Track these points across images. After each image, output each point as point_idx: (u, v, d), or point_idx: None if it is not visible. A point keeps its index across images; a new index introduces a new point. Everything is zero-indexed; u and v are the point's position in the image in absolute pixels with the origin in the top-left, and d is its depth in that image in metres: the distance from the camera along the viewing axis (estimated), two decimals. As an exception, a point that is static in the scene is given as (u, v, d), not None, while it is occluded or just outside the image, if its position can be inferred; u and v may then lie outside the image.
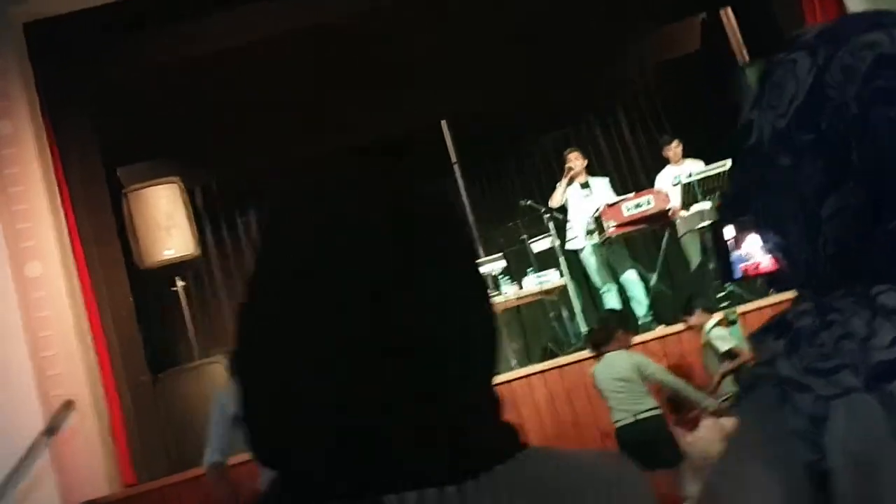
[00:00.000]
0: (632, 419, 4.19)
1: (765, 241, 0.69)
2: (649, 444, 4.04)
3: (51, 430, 4.28)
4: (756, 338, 0.63)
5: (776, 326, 0.62)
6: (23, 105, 4.85)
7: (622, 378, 4.22)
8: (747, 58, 7.10)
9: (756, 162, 0.66)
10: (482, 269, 5.57)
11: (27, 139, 4.82)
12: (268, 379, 0.60)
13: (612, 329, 4.48)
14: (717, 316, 4.68)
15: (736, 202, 0.72)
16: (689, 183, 5.88)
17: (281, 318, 0.60)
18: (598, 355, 4.39)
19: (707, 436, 4.15)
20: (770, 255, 0.71)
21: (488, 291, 0.67)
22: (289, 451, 0.60)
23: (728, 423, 3.90)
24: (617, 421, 4.26)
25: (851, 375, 0.56)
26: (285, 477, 0.61)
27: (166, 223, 5.24)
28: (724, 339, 4.51)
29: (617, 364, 4.28)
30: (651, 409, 4.20)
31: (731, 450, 0.64)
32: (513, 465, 0.61)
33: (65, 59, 5.36)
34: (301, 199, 0.65)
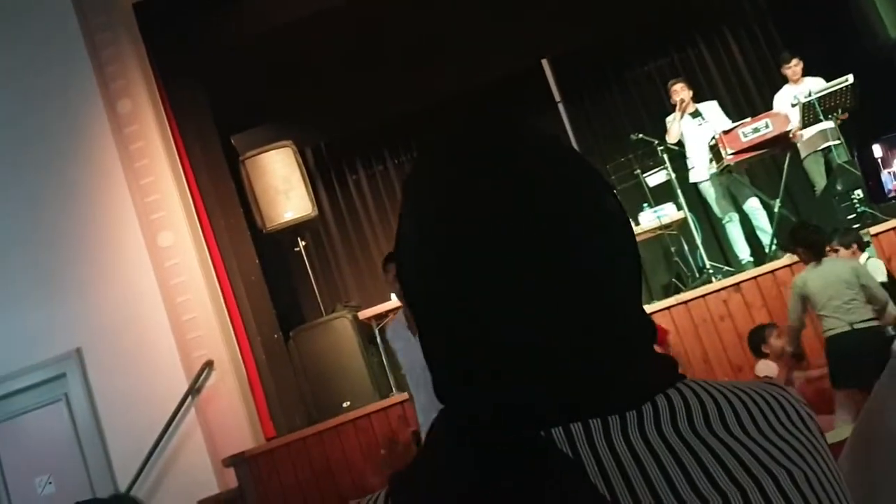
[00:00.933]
0: (847, 328, 3.96)
1: None
2: (862, 356, 3.78)
3: (195, 389, 4.52)
4: None
5: None
6: (139, 83, 5.03)
7: (842, 284, 3.98)
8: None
9: None
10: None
11: (147, 115, 5.00)
12: (457, 322, 0.61)
13: (826, 237, 4.26)
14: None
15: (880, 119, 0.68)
16: (809, 102, 5.57)
17: (472, 269, 0.60)
18: (809, 260, 4.15)
19: None
20: None
21: (628, 221, 0.66)
22: (462, 388, 0.61)
23: None
24: (829, 330, 4.01)
25: None
26: (455, 411, 0.62)
27: (284, 186, 5.38)
28: (879, 269, 4.32)
29: (835, 270, 4.04)
30: (869, 320, 3.95)
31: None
32: (673, 395, 0.60)
33: (174, 35, 5.52)
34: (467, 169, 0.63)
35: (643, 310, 0.65)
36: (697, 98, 6.41)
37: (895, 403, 0.62)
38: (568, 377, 0.59)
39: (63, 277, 4.54)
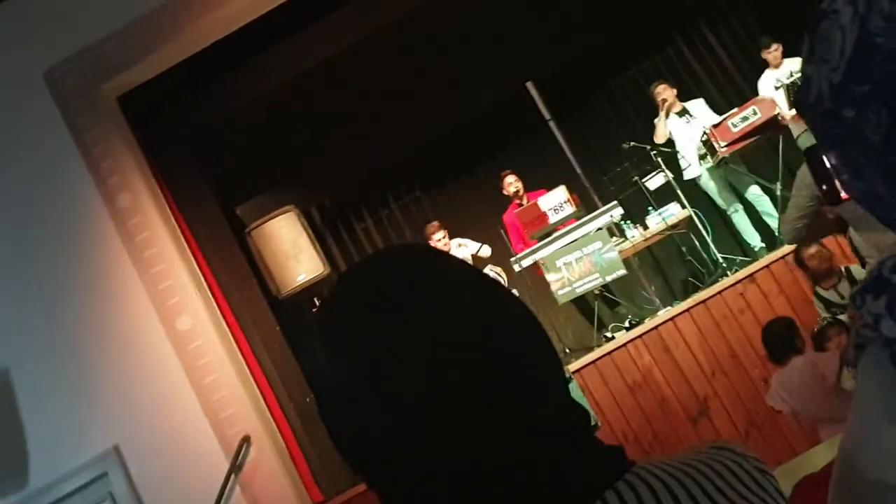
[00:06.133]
0: None
1: (847, 186, 0.67)
2: None
3: (236, 467, 4.55)
4: (855, 300, 0.61)
5: (873, 285, 0.60)
6: (135, 174, 5.12)
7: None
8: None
9: (822, 116, 0.65)
10: (601, 221, 5.58)
11: (147, 204, 5.09)
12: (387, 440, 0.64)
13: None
14: None
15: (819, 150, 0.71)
16: (792, 83, 5.60)
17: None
18: None
19: None
20: (859, 200, 0.69)
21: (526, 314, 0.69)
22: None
23: None
24: None
25: None
26: None
27: (293, 250, 5.44)
28: None
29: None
30: None
31: (858, 411, 0.63)
32: (621, 487, 0.62)
33: (161, 120, 5.63)
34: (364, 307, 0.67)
35: (572, 401, 0.67)
36: (684, 96, 6.45)
37: (870, 440, 0.62)
38: (512, 493, 0.60)
39: (90, 379, 4.60)
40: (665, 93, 6.20)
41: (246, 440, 4.66)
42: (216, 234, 5.71)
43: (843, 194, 1.26)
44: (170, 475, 4.45)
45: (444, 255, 0.70)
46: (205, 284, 5.21)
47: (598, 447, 0.65)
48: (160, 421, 4.55)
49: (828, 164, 1.21)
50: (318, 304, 5.73)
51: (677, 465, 0.65)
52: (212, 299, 5.16)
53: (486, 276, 0.70)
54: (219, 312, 5.16)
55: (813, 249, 4.27)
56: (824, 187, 1.08)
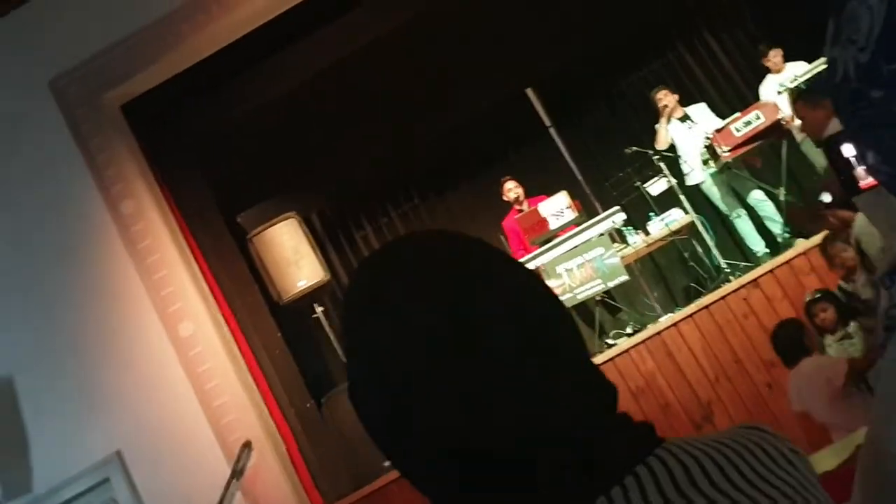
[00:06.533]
0: None
1: (874, 170, 0.67)
2: None
3: (237, 472, 4.53)
4: (884, 281, 0.61)
5: None
6: (139, 181, 5.13)
7: None
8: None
9: (850, 97, 0.64)
10: (602, 227, 5.57)
11: (151, 211, 5.09)
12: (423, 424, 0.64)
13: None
14: None
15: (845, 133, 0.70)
16: (795, 87, 5.60)
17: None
18: None
19: None
20: (884, 183, 0.69)
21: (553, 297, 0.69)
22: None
23: None
24: None
25: None
26: None
27: (294, 257, 5.44)
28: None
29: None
30: None
31: (889, 394, 0.63)
32: (653, 462, 0.62)
33: (164, 127, 5.64)
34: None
35: (601, 373, 0.67)
36: (685, 101, 6.45)
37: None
38: (549, 468, 0.60)
39: (91, 383, 4.60)
40: (666, 98, 6.20)
41: (247, 445, 4.64)
42: (218, 240, 5.71)
43: (862, 183, 1.25)
44: (171, 480, 4.44)
45: (479, 242, 0.70)
46: (207, 290, 5.20)
47: (629, 423, 0.65)
48: (162, 426, 4.55)
49: (846, 155, 1.20)
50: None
51: (709, 442, 0.65)
52: (214, 305, 5.15)
53: (515, 259, 0.70)
54: (221, 318, 5.16)
55: (847, 252, 4.26)
56: (843, 177, 1.07)
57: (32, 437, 4.54)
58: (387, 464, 4.96)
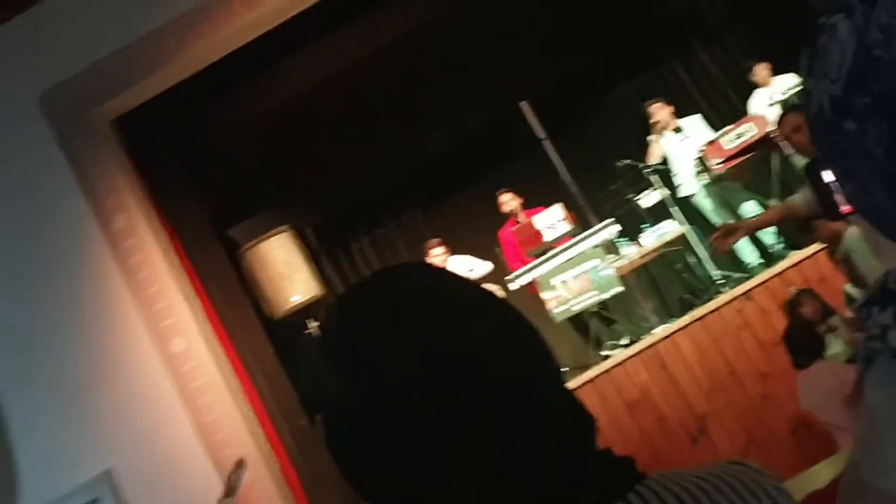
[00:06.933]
0: None
1: (851, 199, 0.66)
2: None
3: (230, 490, 4.50)
4: (862, 312, 0.60)
5: (880, 296, 0.59)
6: (130, 196, 5.11)
7: None
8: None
9: (824, 128, 0.64)
10: (597, 238, 5.58)
11: (141, 226, 5.07)
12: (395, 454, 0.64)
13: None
14: None
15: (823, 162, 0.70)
16: (784, 100, 5.62)
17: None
18: None
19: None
20: (862, 213, 0.68)
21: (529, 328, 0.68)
22: None
23: None
24: None
25: None
26: None
27: (287, 271, 5.43)
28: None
29: None
30: None
31: (866, 425, 0.62)
32: (633, 499, 0.61)
33: (157, 141, 5.63)
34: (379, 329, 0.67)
35: (580, 411, 0.66)
36: (679, 113, 6.46)
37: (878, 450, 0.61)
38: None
39: (82, 402, 4.57)
40: (659, 113, 6.22)
41: (240, 463, 4.61)
42: (210, 255, 5.69)
43: (843, 208, 1.24)
44: (163, 499, 4.40)
45: (447, 274, 0.70)
46: (199, 306, 5.18)
47: (608, 458, 0.64)
48: (153, 444, 4.51)
49: (826, 179, 1.20)
50: (318, 326, 5.70)
51: (691, 478, 0.64)
52: (206, 321, 5.13)
53: (489, 292, 0.70)
54: (213, 334, 5.14)
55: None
56: (824, 201, 1.07)
57: (19, 456, 4.51)
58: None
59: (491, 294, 0.70)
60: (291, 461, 4.94)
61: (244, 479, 4.64)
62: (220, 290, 5.47)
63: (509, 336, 0.66)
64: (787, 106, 5.58)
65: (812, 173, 0.94)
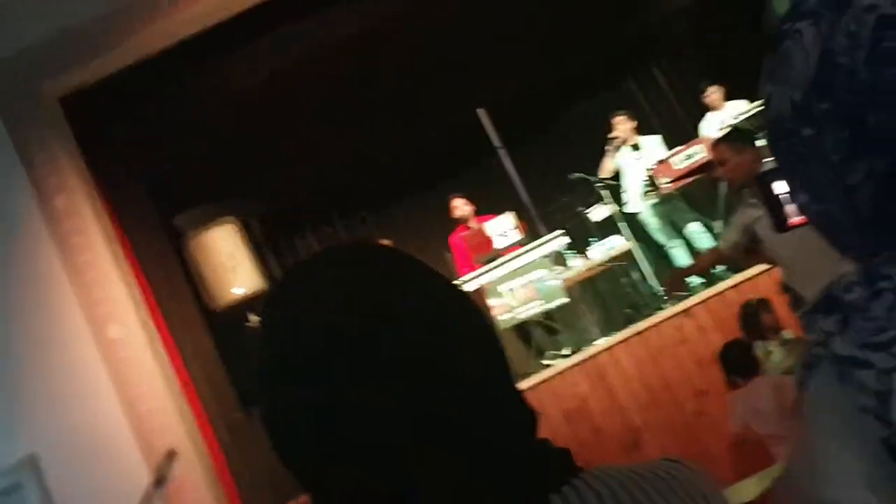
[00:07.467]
0: None
1: (804, 208, 0.67)
2: None
3: (159, 481, 4.41)
4: (807, 318, 0.61)
5: (825, 303, 0.60)
6: (73, 176, 4.99)
7: None
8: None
9: (782, 134, 0.65)
10: (545, 249, 5.62)
11: (84, 208, 4.95)
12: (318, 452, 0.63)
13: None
14: None
15: (777, 170, 0.71)
16: (734, 125, 5.75)
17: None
18: None
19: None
20: (813, 222, 0.69)
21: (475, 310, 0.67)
22: None
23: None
24: None
25: None
26: None
27: (230, 263, 5.35)
28: None
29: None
30: None
31: (806, 432, 0.63)
32: (567, 491, 0.61)
33: (104, 123, 5.51)
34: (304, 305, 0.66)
35: (521, 399, 0.65)
36: (639, 131, 6.55)
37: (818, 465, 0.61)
38: (448, 493, 0.59)
39: (9, 383, 4.43)
40: (621, 126, 6.30)
41: (171, 454, 4.52)
42: (154, 242, 5.58)
43: (792, 220, 1.26)
44: (89, 488, 4.29)
45: (409, 259, 0.68)
46: (138, 293, 5.07)
47: (547, 449, 0.63)
48: (83, 431, 4.40)
49: (777, 192, 1.22)
50: (262, 306, 5.63)
51: (628, 472, 0.64)
52: (145, 309, 5.03)
53: (446, 279, 0.69)
54: (151, 322, 5.03)
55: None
56: (773, 213, 1.08)
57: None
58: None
59: (447, 280, 0.69)
60: (225, 455, 4.86)
61: (174, 470, 4.55)
62: (162, 278, 5.37)
63: (472, 324, 0.65)
64: (716, 137, 5.70)
65: (763, 184, 0.96)
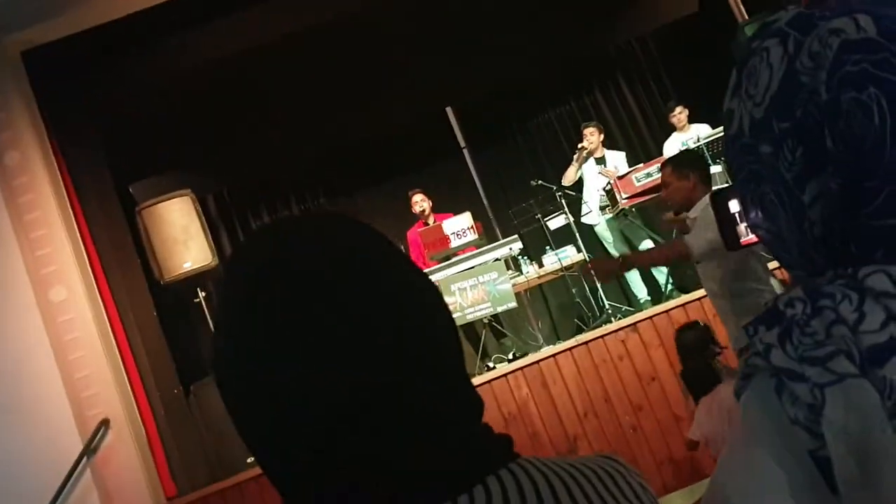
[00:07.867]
0: None
1: (755, 225, 0.69)
2: None
3: (90, 449, 4.35)
4: (749, 330, 0.63)
5: (768, 316, 0.61)
6: (29, 133, 4.89)
7: None
8: (746, 16, 7.01)
9: (740, 150, 0.66)
10: (499, 252, 5.66)
11: (37, 166, 4.86)
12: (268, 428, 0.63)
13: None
14: None
15: (732, 186, 0.73)
16: (697, 147, 5.84)
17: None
18: None
19: None
20: (763, 240, 0.71)
21: (432, 291, 0.68)
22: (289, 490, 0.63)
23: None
24: None
25: (845, 361, 0.55)
26: None
27: (182, 236, 5.27)
28: None
29: None
30: None
31: (736, 441, 0.64)
32: (504, 475, 0.62)
33: (65, 83, 5.39)
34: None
35: (469, 383, 0.67)
36: (605, 145, 6.62)
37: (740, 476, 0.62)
38: (389, 464, 0.60)
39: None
40: (590, 136, 6.36)
41: (105, 423, 4.46)
42: (106, 209, 5.49)
43: (744, 240, 1.30)
44: (18, 449, 4.21)
45: (371, 232, 0.69)
46: (86, 258, 5.00)
47: (488, 434, 0.65)
48: (16, 391, 4.32)
49: (731, 210, 1.24)
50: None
51: (563, 464, 0.66)
52: (91, 274, 4.95)
53: (406, 255, 0.70)
54: (96, 289, 4.96)
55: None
56: (725, 232, 1.10)
57: None
58: (250, 460, 4.86)
59: (406, 257, 0.70)
60: (158, 428, 4.81)
61: (107, 439, 4.49)
62: (111, 245, 5.28)
63: (430, 303, 0.67)
64: (666, 159, 5.80)
65: (718, 202, 0.98)
